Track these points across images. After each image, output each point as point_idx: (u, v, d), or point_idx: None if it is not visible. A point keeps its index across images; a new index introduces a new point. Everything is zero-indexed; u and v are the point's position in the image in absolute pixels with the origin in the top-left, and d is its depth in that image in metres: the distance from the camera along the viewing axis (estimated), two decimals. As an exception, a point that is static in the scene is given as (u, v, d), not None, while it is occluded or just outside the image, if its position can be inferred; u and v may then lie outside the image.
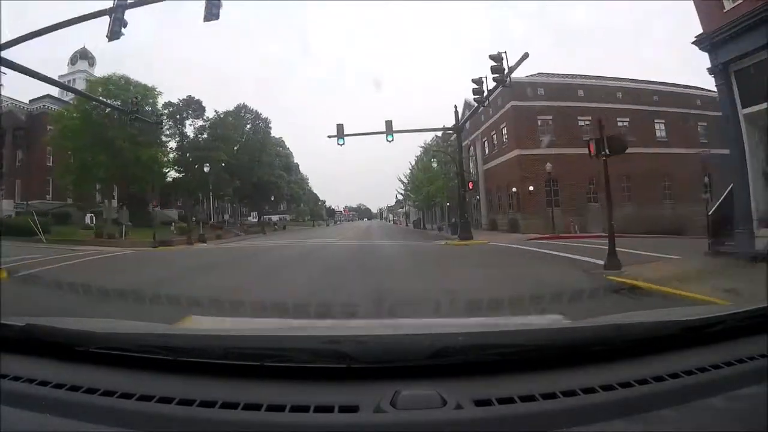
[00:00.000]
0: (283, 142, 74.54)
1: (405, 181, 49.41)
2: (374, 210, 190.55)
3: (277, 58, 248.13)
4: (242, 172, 59.55)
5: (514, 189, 30.38)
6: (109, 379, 1.40)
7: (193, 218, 49.28)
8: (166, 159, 42.28)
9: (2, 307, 2.56)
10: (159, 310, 5.45)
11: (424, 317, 4.67)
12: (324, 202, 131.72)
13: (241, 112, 66.01)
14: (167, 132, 53.60)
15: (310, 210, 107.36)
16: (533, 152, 29.90)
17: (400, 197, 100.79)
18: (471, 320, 3.97)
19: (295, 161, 78.93)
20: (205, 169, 33.35)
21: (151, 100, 41.58)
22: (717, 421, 1.20)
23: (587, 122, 30.25)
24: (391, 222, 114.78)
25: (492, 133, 35.21)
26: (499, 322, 3.19)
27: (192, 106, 55.00)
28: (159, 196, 48.56)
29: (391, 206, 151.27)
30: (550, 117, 30.91)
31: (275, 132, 71.09)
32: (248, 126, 65.49)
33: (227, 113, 61.45)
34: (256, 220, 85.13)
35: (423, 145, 43.08)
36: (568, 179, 28.76)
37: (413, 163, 46.04)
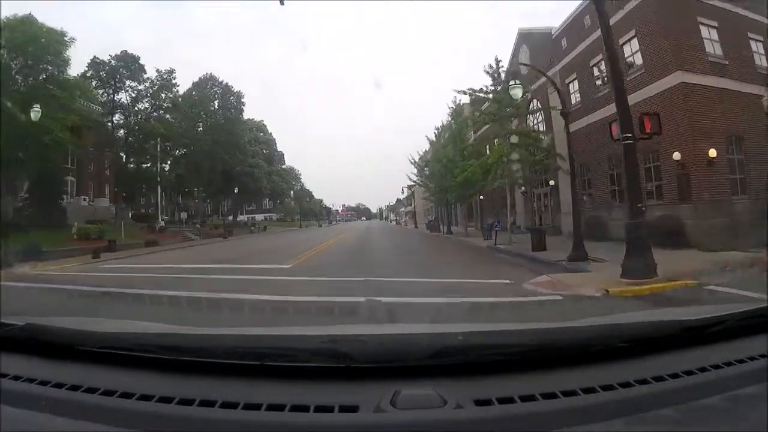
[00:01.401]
0: (265, 126, 59.87)
1: (420, 163, 33.55)
2: (374, 210, 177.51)
3: (276, 58, 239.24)
4: (204, 156, 43.07)
5: (676, 156, 14.27)
6: (109, 379, 1.37)
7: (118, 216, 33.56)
8: (69, 128, 27.14)
9: (2, 307, 2.40)
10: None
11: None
12: (321, 201, 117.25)
13: (206, 84, 49.45)
14: (103, 99, 37.86)
15: (301, 208, 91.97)
16: (704, 82, 14.30)
17: (406, 192, 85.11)
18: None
19: (279, 149, 63.69)
20: (33, 116, 18.30)
21: (56, 49, 28.38)
22: (717, 421, 1.17)
23: (761, 42, 15.20)
24: (393, 222, 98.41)
25: (592, 62, 18.90)
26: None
27: (128, 64, 38.82)
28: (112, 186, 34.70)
29: (392, 205, 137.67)
30: (715, 23, 15.32)
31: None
32: (216, 103, 48.96)
33: (169, 73, 44.52)
34: (239, 219, 71.01)
35: (455, 103, 27.32)
36: (749, 141, 13.57)
37: (433, 137, 30.33)
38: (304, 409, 1.18)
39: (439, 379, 1.29)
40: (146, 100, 39.72)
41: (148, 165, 41.43)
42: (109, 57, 39.46)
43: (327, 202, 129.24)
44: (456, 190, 26.14)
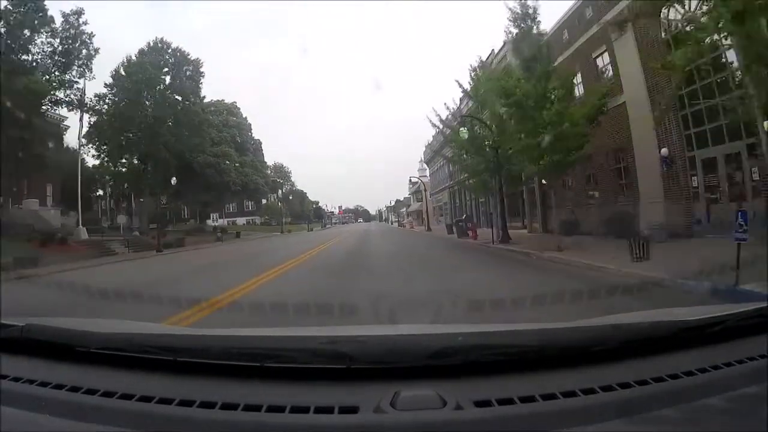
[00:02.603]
0: (238, 110, 47.32)
1: (452, 121, 21.17)
2: (372, 212, 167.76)
3: (275, 59, 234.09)
4: (147, 141, 30.80)
5: None
6: (109, 380, 1.37)
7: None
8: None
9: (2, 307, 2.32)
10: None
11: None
12: (317, 202, 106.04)
13: (157, 52, 37.03)
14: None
15: (291, 210, 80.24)
16: None
17: (410, 188, 73.93)
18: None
19: (255, 137, 51.47)
20: None
21: None
22: (717, 421, 1.17)
23: None
24: (395, 224, 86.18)
25: None
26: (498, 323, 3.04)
27: (29, 11, 26.90)
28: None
29: (392, 206, 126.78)
30: None
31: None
32: (167, 76, 36.73)
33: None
34: (216, 223, 59.58)
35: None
36: None
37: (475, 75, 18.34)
38: (304, 410, 1.18)
39: (439, 380, 1.28)
40: (52, 58, 27.66)
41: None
42: (5, 4, 27.55)
43: (324, 205, 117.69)
44: (543, 154, 13.20)
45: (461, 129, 18.74)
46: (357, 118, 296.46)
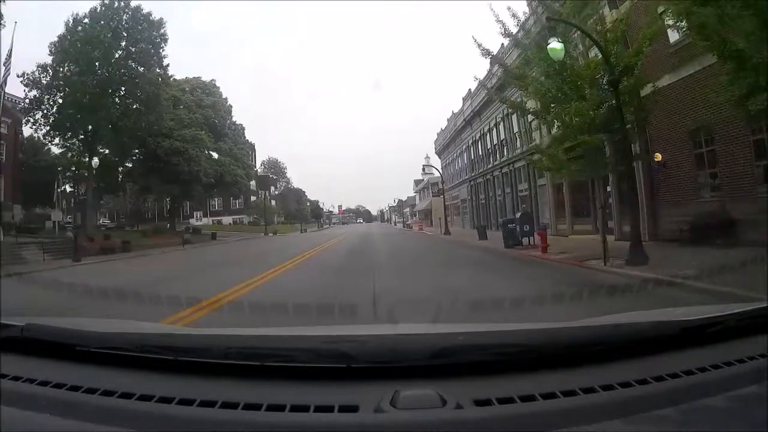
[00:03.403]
0: (216, 89, 39.81)
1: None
2: (374, 212, 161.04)
3: (274, 59, 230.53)
4: (86, 118, 22.17)
5: None
6: (109, 379, 1.36)
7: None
8: None
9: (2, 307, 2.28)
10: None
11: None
12: (316, 202, 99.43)
13: (113, 11, 28.68)
14: None
15: (284, 209, 73.40)
16: None
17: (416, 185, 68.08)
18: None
19: (237, 121, 43.82)
20: None
21: None
22: (717, 421, 1.16)
23: None
24: (399, 225, 78.57)
25: None
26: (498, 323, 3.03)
27: None
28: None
29: (393, 206, 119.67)
30: None
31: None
32: (123, 38, 28.80)
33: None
34: (200, 222, 53.16)
35: None
36: None
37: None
38: (304, 409, 1.17)
39: (439, 380, 1.27)
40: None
41: None
42: None
43: (322, 204, 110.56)
44: None
45: (552, 43, 9.95)
46: (359, 118, 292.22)
